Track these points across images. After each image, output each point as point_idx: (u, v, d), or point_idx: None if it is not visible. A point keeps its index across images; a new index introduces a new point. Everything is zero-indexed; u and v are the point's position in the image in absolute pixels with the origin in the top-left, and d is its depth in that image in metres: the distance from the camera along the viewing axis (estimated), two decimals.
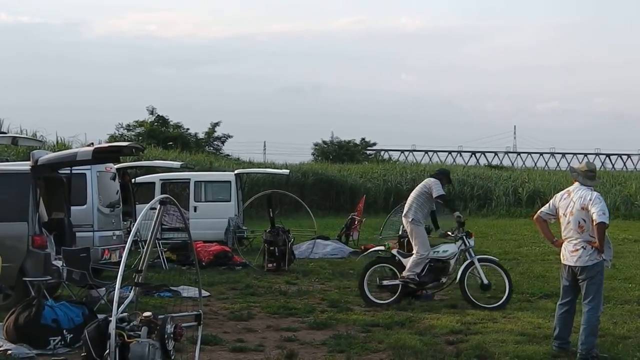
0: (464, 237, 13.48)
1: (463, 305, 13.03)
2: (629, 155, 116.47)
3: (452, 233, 13.63)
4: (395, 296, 13.41)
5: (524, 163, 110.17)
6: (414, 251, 13.42)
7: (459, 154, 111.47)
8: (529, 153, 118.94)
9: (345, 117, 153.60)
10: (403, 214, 13.96)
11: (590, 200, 9.33)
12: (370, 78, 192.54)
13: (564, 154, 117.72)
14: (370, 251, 14.26)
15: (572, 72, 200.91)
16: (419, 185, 14.02)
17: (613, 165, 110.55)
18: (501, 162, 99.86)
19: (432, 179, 13.85)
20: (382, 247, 14.15)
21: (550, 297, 13.64)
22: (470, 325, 11.31)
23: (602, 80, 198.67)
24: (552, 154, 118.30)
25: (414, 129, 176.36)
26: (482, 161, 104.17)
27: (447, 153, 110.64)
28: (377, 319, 11.75)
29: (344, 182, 44.21)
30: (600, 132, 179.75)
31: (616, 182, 48.30)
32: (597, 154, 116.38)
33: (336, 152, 69.75)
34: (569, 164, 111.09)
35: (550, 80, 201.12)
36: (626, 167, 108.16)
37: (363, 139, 77.34)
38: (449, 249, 13.55)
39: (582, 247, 9.35)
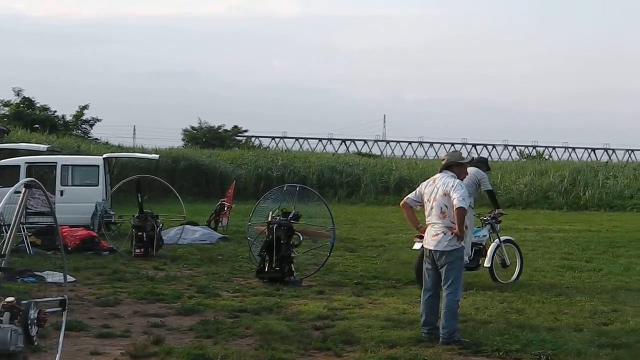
0: (493, 223, 14.66)
1: (330, 291, 13.23)
2: (494, 146, 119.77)
3: (480, 217, 14.87)
4: None
5: (392, 151, 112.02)
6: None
7: (329, 142, 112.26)
8: (398, 142, 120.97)
9: (217, 103, 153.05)
10: None
11: (452, 187, 9.64)
12: (243, 64, 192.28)
13: (431, 143, 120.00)
14: None
15: (441, 62, 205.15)
16: (469, 175, 14.12)
17: (479, 155, 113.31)
18: (370, 150, 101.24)
19: (480, 171, 14.51)
20: None
21: (416, 284, 13.96)
22: (337, 310, 11.46)
23: (471, 71, 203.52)
24: (421, 142, 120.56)
25: (285, 116, 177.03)
26: (352, 149, 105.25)
27: (317, 140, 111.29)
28: (245, 305, 11.79)
29: (215, 168, 43.98)
30: (468, 122, 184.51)
31: None
32: (463, 144, 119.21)
33: (206, 137, 69.39)
34: (436, 152, 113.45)
35: (421, 70, 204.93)
36: (491, 157, 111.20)
37: (235, 126, 77.26)
38: (486, 234, 14.69)
39: (443, 232, 9.63)
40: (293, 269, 14.34)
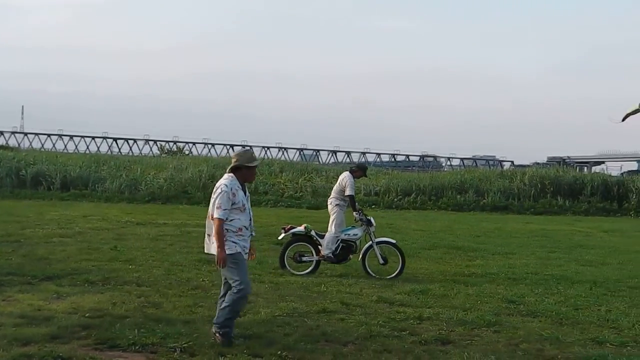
0: (367, 223, 16.10)
1: None
2: (135, 140, 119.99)
3: (357, 220, 16.23)
4: (311, 269, 16.06)
5: (31, 144, 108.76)
6: (329, 229, 16.16)
7: None
8: (37, 134, 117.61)
9: None
10: (329, 199, 16.63)
11: (215, 192, 9.52)
12: None
13: (72, 137, 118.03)
14: (292, 231, 16.16)
15: (83, 55, 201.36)
16: (340, 178, 16.58)
17: (119, 150, 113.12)
18: (7, 142, 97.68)
19: (348, 176, 16.43)
20: (302, 228, 16.15)
21: (52, 279, 13.72)
22: None
23: (109, 65, 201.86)
24: (60, 135, 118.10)
25: None
26: None
27: None
28: None
29: None
30: (109, 116, 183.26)
31: (122, 166, 49.37)
32: (104, 138, 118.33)
33: None
34: (76, 146, 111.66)
35: (60, 60, 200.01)
36: (132, 152, 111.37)
37: None
38: (358, 233, 16.27)
39: (209, 234, 9.55)
40: None
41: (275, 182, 45.36)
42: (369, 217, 16.31)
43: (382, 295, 13.45)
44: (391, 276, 15.79)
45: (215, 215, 9.35)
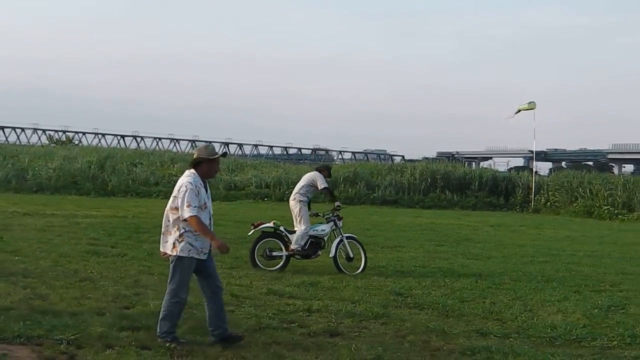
0: (335, 219, 16.42)
1: None
2: (22, 129, 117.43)
3: (324, 215, 16.63)
4: (281, 264, 16.05)
5: None
6: (297, 227, 16.32)
7: None
8: None
9: None
10: (292, 196, 16.76)
11: (179, 190, 9.25)
12: None
13: None
14: (261, 227, 16.22)
15: None
16: (307, 176, 16.93)
17: (7, 138, 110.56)
18: None
19: (317, 173, 16.82)
20: (271, 224, 16.24)
21: None
22: None
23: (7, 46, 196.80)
24: None
25: None
26: None
27: None
28: None
29: None
30: None
31: (9, 155, 48.26)
32: None
33: None
34: None
35: None
36: (20, 141, 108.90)
37: None
38: (325, 229, 16.49)
39: (163, 233, 9.41)
40: None
41: (167, 173, 44.80)
42: (339, 215, 16.60)
43: (271, 287, 13.52)
44: (356, 272, 15.85)
45: (188, 215, 9.06)
